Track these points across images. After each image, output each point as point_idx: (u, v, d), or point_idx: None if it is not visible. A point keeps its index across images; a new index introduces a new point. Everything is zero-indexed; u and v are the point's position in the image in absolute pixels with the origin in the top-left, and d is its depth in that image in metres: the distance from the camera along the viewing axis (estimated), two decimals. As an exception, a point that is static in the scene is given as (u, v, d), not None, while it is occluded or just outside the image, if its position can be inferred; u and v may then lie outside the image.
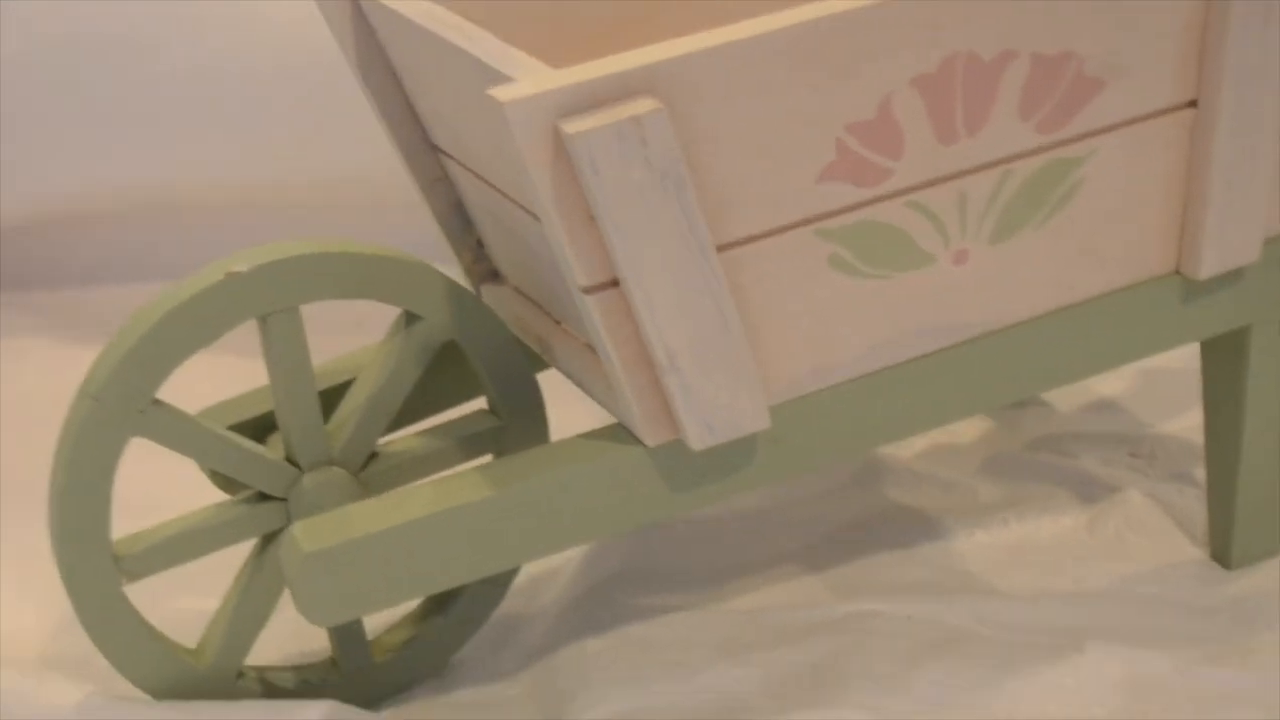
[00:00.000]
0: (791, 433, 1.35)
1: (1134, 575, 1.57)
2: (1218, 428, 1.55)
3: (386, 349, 1.38)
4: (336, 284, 1.33)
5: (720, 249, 1.25)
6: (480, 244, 1.50)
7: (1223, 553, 1.58)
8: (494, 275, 1.51)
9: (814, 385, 1.34)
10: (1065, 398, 1.84)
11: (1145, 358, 1.46)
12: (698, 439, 1.30)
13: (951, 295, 1.35)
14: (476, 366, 1.41)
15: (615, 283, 1.23)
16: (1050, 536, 1.62)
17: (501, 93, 1.15)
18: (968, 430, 1.79)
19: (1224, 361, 1.52)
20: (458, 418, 1.45)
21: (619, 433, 1.33)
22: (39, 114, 2.22)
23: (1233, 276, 1.44)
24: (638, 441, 1.32)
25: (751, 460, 1.35)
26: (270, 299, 1.31)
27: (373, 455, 1.40)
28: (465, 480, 1.31)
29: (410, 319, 1.38)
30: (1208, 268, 1.41)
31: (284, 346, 1.32)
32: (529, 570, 1.59)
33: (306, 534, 1.28)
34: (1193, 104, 1.36)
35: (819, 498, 1.68)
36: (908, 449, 1.75)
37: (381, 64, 1.43)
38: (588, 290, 1.23)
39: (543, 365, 1.47)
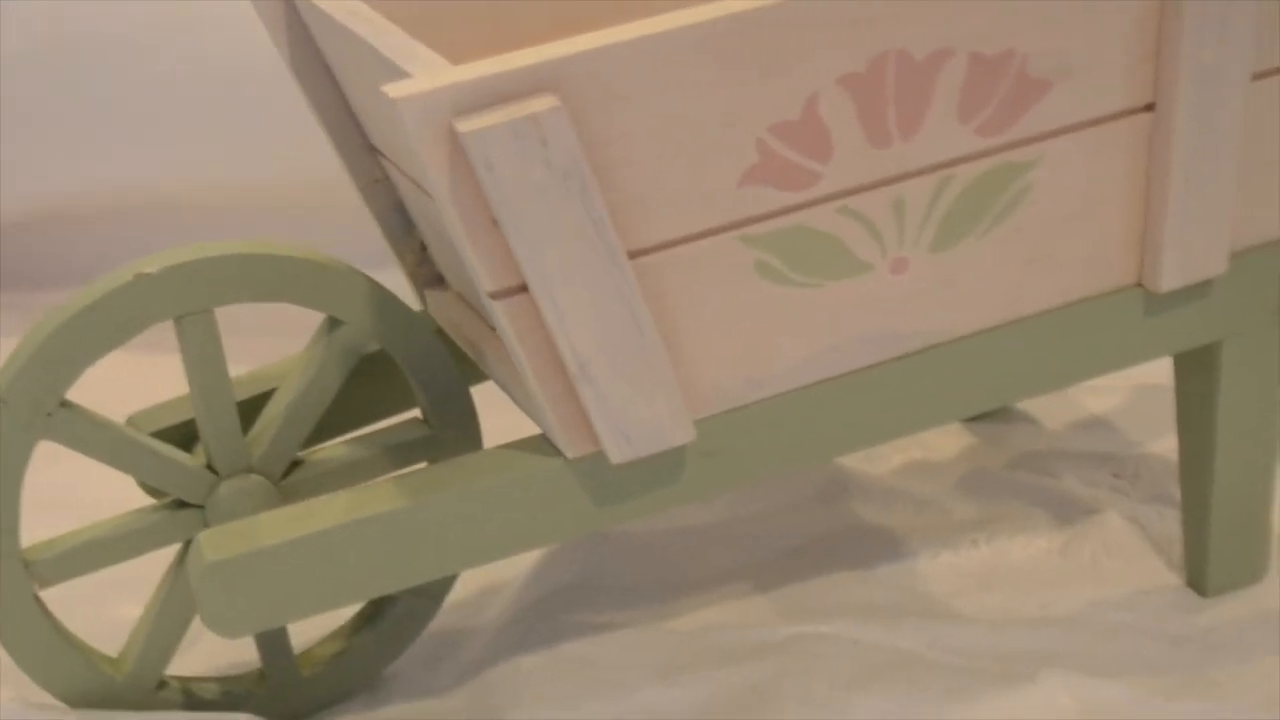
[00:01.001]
0: (724, 446, 1.30)
1: (1105, 601, 1.50)
2: (1191, 448, 1.47)
3: (308, 355, 1.34)
4: (251, 287, 1.29)
5: (634, 254, 1.20)
6: (424, 247, 1.46)
7: (1198, 579, 1.51)
8: (438, 280, 1.47)
9: (746, 397, 1.29)
10: (1053, 413, 1.77)
11: (1108, 373, 1.40)
12: (616, 451, 1.25)
13: (892, 305, 1.29)
14: (406, 373, 1.37)
15: (524, 288, 1.19)
16: (1022, 559, 1.56)
17: (395, 89, 1.11)
18: (947, 445, 1.72)
19: (1195, 379, 1.45)
20: (387, 426, 1.41)
21: (541, 444, 1.29)
22: (39, 113, 2.22)
23: (1199, 290, 1.38)
24: (559, 453, 1.27)
25: (681, 474, 1.30)
26: (182, 301, 1.27)
27: (297, 463, 1.37)
28: (380, 490, 1.27)
29: (333, 324, 1.34)
30: (1169, 280, 1.35)
31: (199, 350, 1.29)
32: (473, 583, 1.55)
33: (212, 543, 1.24)
34: (1150, 107, 1.30)
35: (781, 512, 1.62)
36: (883, 464, 1.69)
37: (317, 63, 1.40)
38: (494, 295, 1.19)
39: (483, 374, 1.43)
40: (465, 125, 1.10)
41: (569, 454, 1.26)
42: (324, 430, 1.43)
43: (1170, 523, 1.58)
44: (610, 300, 1.19)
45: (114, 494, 1.50)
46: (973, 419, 1.76)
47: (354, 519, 1.25)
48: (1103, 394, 1.78)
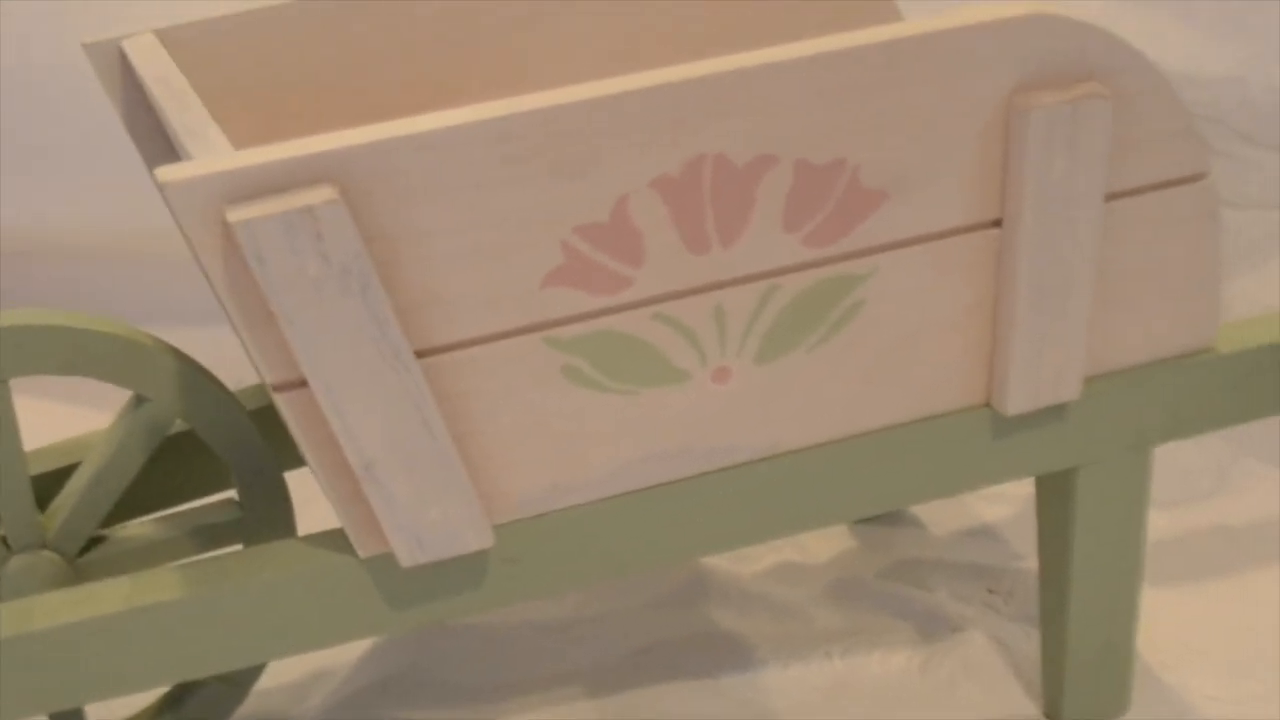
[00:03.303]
0: (528, 553, 1.24)
1: (955, 727, 1.43)
2: (1048, 575, 1.41)
3: (111, 430, 1.30)
4: (49, 359, 1.25)
5: (425, 353, 1.14)
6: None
7: (1054, 710, 1.44)
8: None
9: (554, 504, 1.23)
10: (941, 519, 1.70)
11: (955, 494, 1.33)
12: (406, 555, 1.19)
13: (713, 416, 1.23)
14: (217, 453, 1.32)
15: (305, 382, 1.13)
16: (877, 676, 1.49)
17: (165, 172, 1.06)
18: (822, 548, 1.66)
19: (1052, 504, 1.38)
20: (197, 506, 1.36)
21: (337, 539, 1.23)
22: (42, 141, 2.16)
23: (1053, 414, 1.31)
24: (353, 551, 1.22)
25: (482, 580, 1.24)
26: (-27, 370, 1.23)
27: (98, 540, 1.32)
28: (165, 577, 1.22)
29: (139, 400, 1.29)
30: (1016, 403, 1.28)
31: (-9, 420, 1.24)
32: (304, 665, 1.49)
33: (-17, 623, 1.19)
34: (998, 223, 1.23)
35: (634, 611, 1.56)
36: (752, 564, 1.63)
37: (150, 121, 1.35)
38: (276, 389, 1.13)
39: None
40: (235, 215, 1.05)
41: (360, 553, 1.21)
42: (140, 506, 1.38)
43: (1037, 645, 1.51)
44: (396, 401, 1.13)
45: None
46: (858, 520, 1.69)
47: (133, 606, 1.20)
48: (996, 502, 1.72)
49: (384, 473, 1.15)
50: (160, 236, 2.11)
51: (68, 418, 1.69)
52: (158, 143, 1.36)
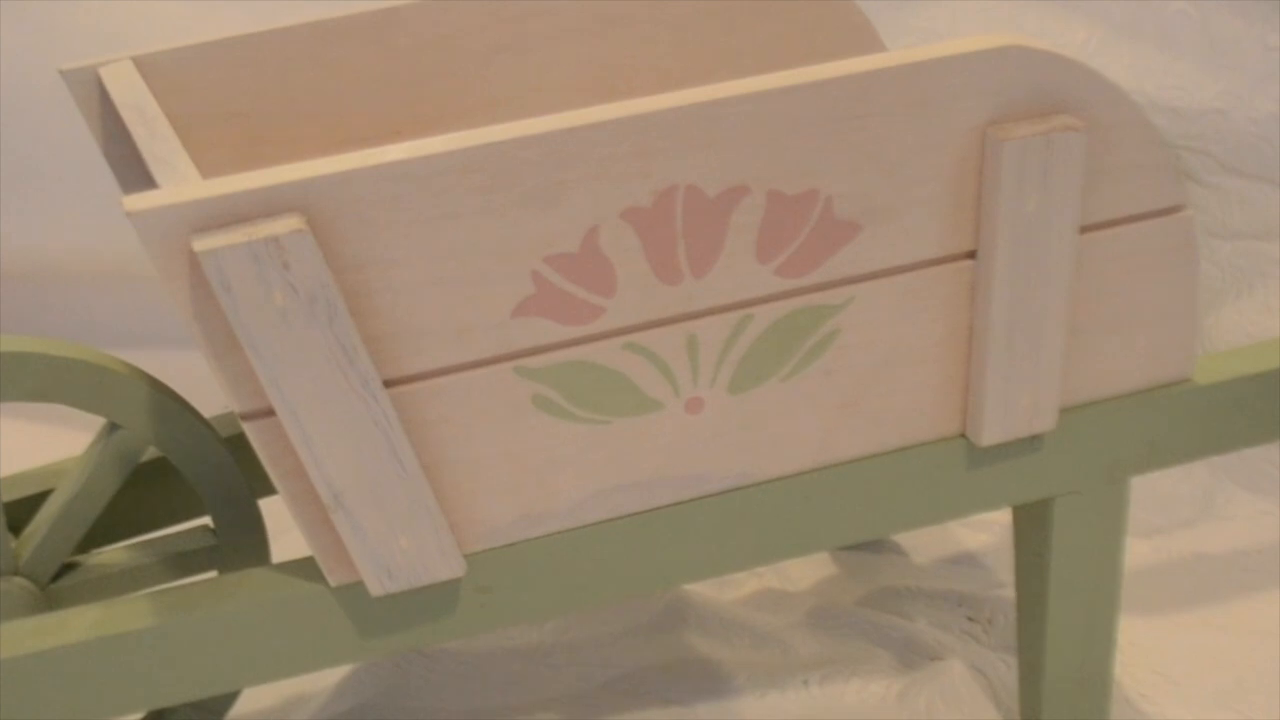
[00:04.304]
0: (500, 582, 1.24)
1: (932, 757, 1.43)
2: (1025, 605, 1.40)
3: (84, 457, 1.29)
4: (20, 386, 1.24)
5: (393, 383, 1.14)
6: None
7: (1031, 741, 1.43)
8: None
9: (526, 533, 1.23)
10: (922, 546, 1.70)
11: (931, 524, 1.33)
12: (376, 584, 1.19)
13: (686, 446, 1.23)
14: (190, 481, 1.31)
15: (273, 411, 1.13)
16: (854, 704, 1.49)
17: (132, 201, 1.05)
18: (804, 575, 1.65)
19: (1030, 533, 1.38)
20: (172, 533, 1.35)
21: (308, 567, 1.23)
22: (11, 164, 2.16)
23: (1028, 445, 1.30)
24: (324, 579, 1.21)
25: (454, 608, 1.24)
26: (-55, 396, 1.23)
27: (70, 567, 1.32)
28: (133, 606, 1.21)
29: (112, 427, 1.29)
30: (990, 434, 1.28)
31: (-38, 447, 1.24)
32: (284, 690, 1.49)
33: (-49, 650, 1.19)
34: (972, 255, 1.23)
35: (614, 638, 1.55)
36: (732, 590, 1.63)
37: (127, 147, 1.35)
38: (243, 417, 1.13)
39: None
40: (201, 244, 1.05)
41: (330, 581, 1.21)
42: (113, 532, 1.38)
43: (1016, 673, 1.50)
44: (364, 430, 1.13)
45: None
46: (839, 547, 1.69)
47: (101, 635, 1.19)
48: (978, 529, 1.71)
49: (353, 502, 1.15)
50: (134, 260, 2.11)
51: (43, 438, 1.69)
52: (134, 169, 1.36)
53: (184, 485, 1.38)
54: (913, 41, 1.89)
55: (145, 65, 1.36)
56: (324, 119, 1.42)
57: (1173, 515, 1.73)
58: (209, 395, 1.64)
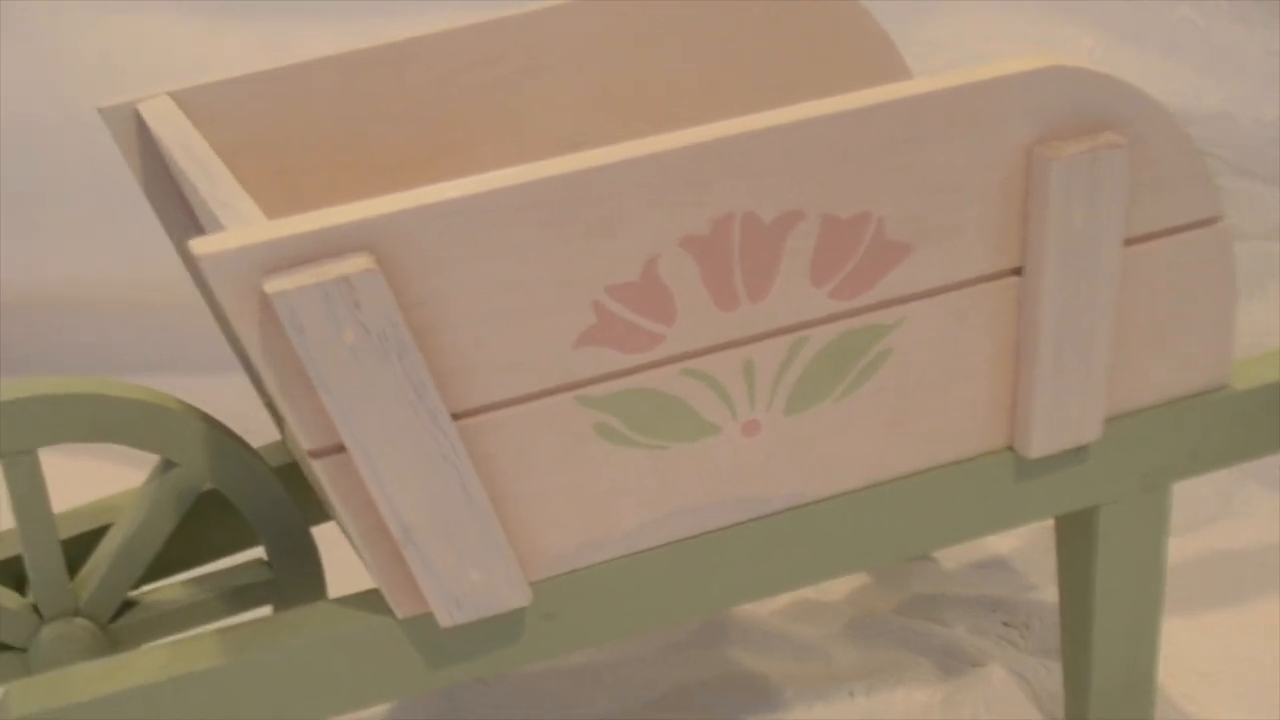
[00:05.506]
0: (565, 608, 1.25)
1: (980, 764, 1.44)
2: (1071, 612, 1.42)
3: (140, 495, 1.30)
4: (78, 427, 1.25)
5: (461, 415, 1.15)
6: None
7: (1078, 745, 1.45)
8: (296, 413, 1.42)
9: (588, 559, 1.24)
10: (952, 554, 1.71)
11: (980, 537, 1.35)
12: (445, 615, 1.20)
13: (743, 468, 1.24)
14: (245, 515, 1.32)
15: (344, 447, 1.14)
16: (901, 713, 1.50)
17: (201, 244, 1.06)
18: (838, 585, 1.67)
19: (1074, 541, 1.40)
20: (228, 568, 1.36)
21: (374, 600, 1.24)
22: (39, 194, 2.15)
23: (1074, 455, 1.32)
24: (390, 611, 1.22)
25: (520, 636, 1.25)
26: (3, 440, 1.23)
27: (129, 605, 1.32)
28: (202, 645, 1.22)
29: (168, 464, 1.29)
30: (1039, 446, 1.29)
31: (21, 491, 1.24)
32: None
33: (21, 695, 1.19)
34: (1018, 271, 1.25)
35: (658, 655, 1.57)
36: (769, 603, 1.64)
37: (166, 182, 1.36)
38: (313, 454, 1.14)
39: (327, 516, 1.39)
40: (273, 286, 1.06)
41: (398, 613, 1.21)
42: (167, 566, 1.38)
43: (1056, 678, 1.53)
44: (434, 464, 1.14)
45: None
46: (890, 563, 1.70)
47: (171, 676, 1.20)
48: (1006, 533, 1.73)
49: (422, 536, 1.16)
50: (160, 288, 2.11)
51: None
52: (175, 204, 1.36)
53: (233, 518, 1.38)
54: (923, 52, 1.91)
55: (183, 101, 1.36)
56: (352, 148, 1.43)
57: (1194, 514, 1.75)
58: (234, 421, 1.64)
